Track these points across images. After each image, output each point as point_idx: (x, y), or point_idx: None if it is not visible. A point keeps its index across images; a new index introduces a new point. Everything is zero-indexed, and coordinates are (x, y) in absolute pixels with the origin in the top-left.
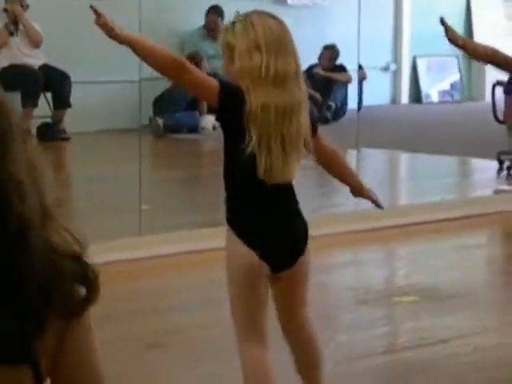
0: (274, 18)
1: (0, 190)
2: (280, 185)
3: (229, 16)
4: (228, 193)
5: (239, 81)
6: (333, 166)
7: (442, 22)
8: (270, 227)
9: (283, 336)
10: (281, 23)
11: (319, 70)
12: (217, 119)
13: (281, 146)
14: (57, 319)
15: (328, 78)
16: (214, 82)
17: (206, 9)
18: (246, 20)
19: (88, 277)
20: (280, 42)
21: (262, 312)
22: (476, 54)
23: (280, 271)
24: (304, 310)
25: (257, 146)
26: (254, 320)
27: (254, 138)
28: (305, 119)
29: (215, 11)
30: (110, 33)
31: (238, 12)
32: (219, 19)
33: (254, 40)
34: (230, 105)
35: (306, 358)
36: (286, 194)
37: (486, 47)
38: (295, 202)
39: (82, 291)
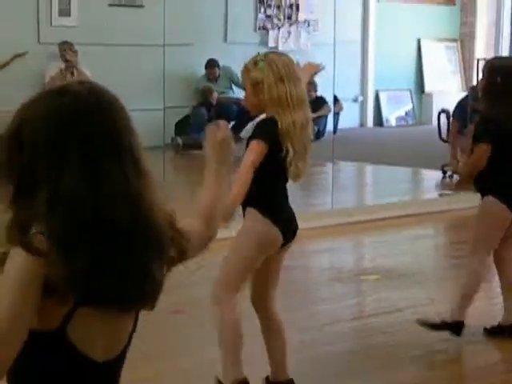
0: (283, 54)
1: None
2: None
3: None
4: (261, 188)
5: (269, 107)
6: None
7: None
8: (287, 213)
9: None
10: (289, 57)
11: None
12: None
13: (304, 152)
14: None
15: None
16: (263, 148)
17: (205, 62)
18: (268, 58)
19: (180, 241)
20: (294, 73)
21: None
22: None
23: (284, 246)
24: (275, 294)
25: (291, 156)
26: (246, 278)
27: (291, 149)
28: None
29: (211, 64)
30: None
31: (258, 53)
32: (216, 69)
33: (278, 73)
34: (274, 142)
35: (274, 339)
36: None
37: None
38: None
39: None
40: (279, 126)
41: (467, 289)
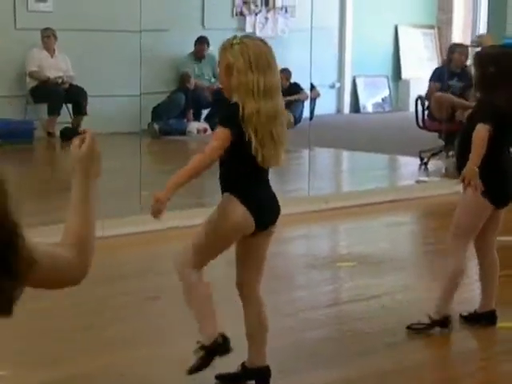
0: (261, 40)
1: None
2: (267, 168)
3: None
4: (236, 175)
5: (235, 92)
6: None
7: None
8: (264, 198)
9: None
10: (266, 44)
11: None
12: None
13: (271, 140)
14: None
15: (286, 95)
16: (226, 134)
17: (195, 39)
18: (243, 43)
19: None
20: (267, 62)
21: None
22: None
23: (259, 231)
24: (259, 279)
25: (254, 143)
26: (213, 257)
27: (253, 137)
28: (286, 120)
29: (201, 41)
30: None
31: (236, 35)
32: (205, 46)
33: (248, 61)
34: (236, 126)
35: (256, 326)
36: (268, 176)
37: None
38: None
39: None
40: (241, 112)
41: (450, 284)
